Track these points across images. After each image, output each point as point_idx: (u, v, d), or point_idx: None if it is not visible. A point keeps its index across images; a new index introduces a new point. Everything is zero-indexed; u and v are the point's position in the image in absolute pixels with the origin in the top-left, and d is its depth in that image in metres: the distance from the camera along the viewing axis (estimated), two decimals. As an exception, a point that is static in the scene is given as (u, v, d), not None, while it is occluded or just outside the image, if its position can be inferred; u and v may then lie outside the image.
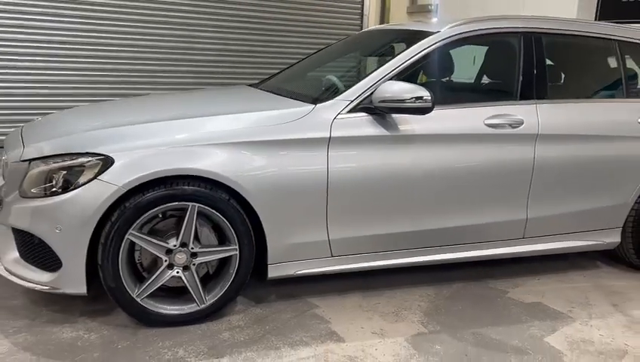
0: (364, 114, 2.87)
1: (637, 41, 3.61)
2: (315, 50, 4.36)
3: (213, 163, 2.60)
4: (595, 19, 6.89)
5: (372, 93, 2.86)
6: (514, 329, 2.83)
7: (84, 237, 2.50)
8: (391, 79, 2.92)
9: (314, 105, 2.86)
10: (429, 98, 2.74)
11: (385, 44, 3.67)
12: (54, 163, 2.57)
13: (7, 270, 2.71)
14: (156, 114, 2.92)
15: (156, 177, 2.52)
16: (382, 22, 9.25)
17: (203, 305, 2.71)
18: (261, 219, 2.71)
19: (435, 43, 3.07)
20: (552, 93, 3.31)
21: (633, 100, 3.51)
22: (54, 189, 2.54)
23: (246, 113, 2.81)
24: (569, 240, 3.41)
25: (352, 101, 2.87)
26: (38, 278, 2.61)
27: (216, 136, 2.66)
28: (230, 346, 2.56)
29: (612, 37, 3.54)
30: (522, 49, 3.26)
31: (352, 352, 2.55)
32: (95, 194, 2.48)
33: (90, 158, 2.53)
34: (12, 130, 3.38)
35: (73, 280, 2.56)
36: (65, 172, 2.54)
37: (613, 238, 3.51)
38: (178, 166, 2.55)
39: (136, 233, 2.56)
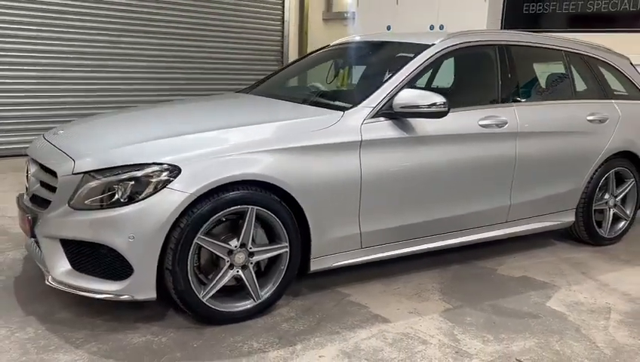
0: (383, 118, 3.21)
1: (576, 51, 4.28)
2: (301, 57, 4.61)
3: (268, 167, 2.82)
4: (501, 28, 7.76)
5: (390, 100, 3.21)
6: (519, 299, 3.32)
7: (157, 244, 2.61)
8: (403, 87, 3.28)
9: (342, 112, 3.15)
10: (445, 103, 3.15)
11: (381, 55, 4.02)
12: (118, 174, 2.65)
13: (60, 282, 2.73)
14: (199, 123, 3.08)
15: (222, 183, 2.69)
16: (301, 28, 9.62)
17: (259, 301, 2.91)
18: (307, 216, 2.96)
19: (435, 54, 3.49)
20: (524, 96, 3.87)
21: (581, 101, 4.17)
22: (120, 199, 2.63)
23: (287, 121, 3.05)
24: (538, 221, 3.99)
25: (373, 108, 3.20)
26: (105, 287, 2.67)
27: (266, 142, 2.87)
28: (295, 335, 2.79)
29: (561, 48, 4.18)
30: (499, 58, 3.78)
31: (402, 330, 2.89)
32: (167, 203, 2.60)
33: (157, 168, 2.65)
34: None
35: (144, 286, 2.65)
36: (132, 182, 2.63)
37: (569, 218, 4.15)
38: (241, 171, 2.74)
39: (203, 237, 2.71)
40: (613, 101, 4.32)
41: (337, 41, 4.51)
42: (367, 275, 3.51)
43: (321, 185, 2.97)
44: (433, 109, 3.14)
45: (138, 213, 2.59)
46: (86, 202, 2.68)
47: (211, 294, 2.79)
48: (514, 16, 7.73)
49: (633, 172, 4.36)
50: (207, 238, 2.73)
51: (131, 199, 2.63)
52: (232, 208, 2.75)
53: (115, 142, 2.86)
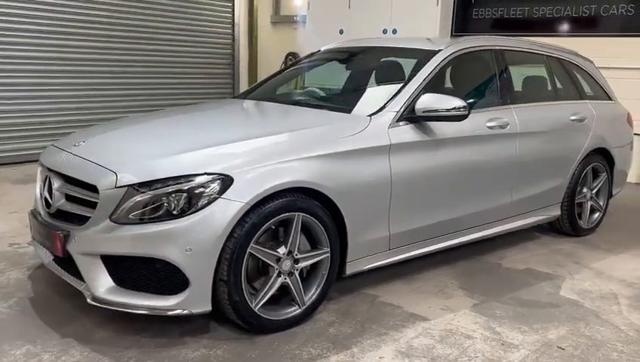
0: (405, 122, 3.31)
1: (554, 55, 4.56)
2: (299, 59, 4.60)
3: (312, 174, 2.84)
4: (451, 32, 8.09)
5: (411, 104, 3.30)
6: (534, 291, 3.51)
7: (214, 255, 2.57)
8: (420, 91, 3.39)
9: (369, 118, 3.22)
10: (466, 107, 3.28)
11: (386, 60, 4.11)
12: (168, 186, 2.58)
13: (103, 300, 2.63)
14: (232, 132, 3.06)
15: (273, 191, 2.69)
16: (250, 32, 9.57)
17: (304, 307, 2.92)
18: (345, 221, 3.00)
19: (444, 59, 3.62)
20: (518, 98, 4.09)
21: (563, 102, 4.45)
22: (173, 212, 2.56)
23: (320, 127, 3.09)
24: (532, 216, 4.23)
25: (397, 112, 3.29)
26: (158, 303, 2.59)
27: (306, 149, 2.89)
28: (346, 339, 2.82)
29: (542, 52, 4.45)
30: (495, 63, 3.98)
31: (444, 326, 2.99)
32: (224, 214, 2.56)
33: (209, 178, 2.60)
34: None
35: (200, 299, 2.60)
36: (184, 194, 2.57)
37: (556, 212, 4.43)
38: (290, 179, 2.74)
39: (256, 246, 2.69)
40: (587, 101, 4.64)
41: (329, 47, 4.55)
42: (387, 275, 3.58)
43: (356, 190, 3.02)
44: (454, 113, 3.26)
45: (195, 225, 2.53)
46: (130, 216, 2.59)
47: (262, 303, 2.77)
48: (464, 20, 8.09)
49: (605, 166, 4.71)
50: (258, 247, 2.71)
51: (184, 211, 2.56)
52: (281, 216, 2.74)
53: (153, 153, 2.78)
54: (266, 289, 2.78)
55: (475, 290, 3.47)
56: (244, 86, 9.75)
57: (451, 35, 8.01)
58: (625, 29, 6.82)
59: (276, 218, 2.73)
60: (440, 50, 3.66)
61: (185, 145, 2.83)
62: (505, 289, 3.52)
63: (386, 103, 3.33)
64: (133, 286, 2.65)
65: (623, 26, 6.83)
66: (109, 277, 2.66)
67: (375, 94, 3.71)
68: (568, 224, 4.53)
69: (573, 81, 4.64)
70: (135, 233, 2.57)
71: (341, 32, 8.39)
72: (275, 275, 2.80)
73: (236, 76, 9.53)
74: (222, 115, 3.70)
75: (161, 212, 2.58)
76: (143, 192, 2.59)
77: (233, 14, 9.19)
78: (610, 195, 4.84)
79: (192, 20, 8.54)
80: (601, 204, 4.77)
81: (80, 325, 2.84)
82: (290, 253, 2.83)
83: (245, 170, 2.66)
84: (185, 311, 2.59)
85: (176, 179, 2.60)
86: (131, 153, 2.84)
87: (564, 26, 7.24)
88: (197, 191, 2.58)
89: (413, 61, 3.71)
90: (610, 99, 4.97)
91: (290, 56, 9.63)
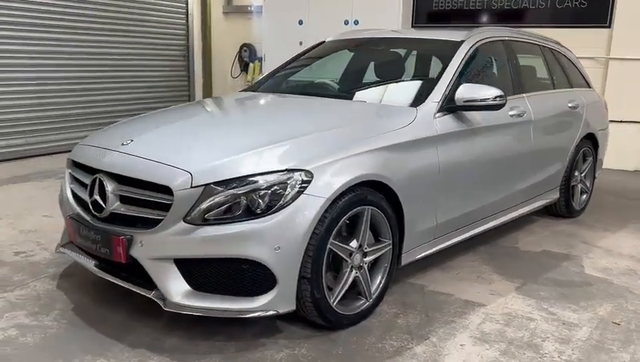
0: (445, 113, 3.35)
1: (547, 45, 4.77)
2: (310, 48, 4.50)
3: (380, 167, 2.83)
4: (412, 24, 8.24)
5: (450, 95, 3.35)
6: (561, 271, 3.68)
7: (300, 252, 2.51)
8: (455, 82, 3.45)
9: (415, 108, 3.24)
10: (503, 96, 3.36)
11: (412, 52, 4.13)
12: (248, 183, 2.48)
13: (181, 306, 2.51)
14: (298, 126, 3.00)
15: (349, 186, 2.65)
16: (204, 22, 9.32)
17: (370, 300, 2.91)
18: (404, 212, 3.01)
19: (469, 49, 3.69)
20: (527, 87, 4.24)
21: (560, 90, 4.67)
22: (257, 210, 2.47)
23: (376, 119, 3.08)
24: (539, 200, 4.42)
25: (437, 103, 3.33)
26: (243, 305, 2.50)
27: (368, 142, 2.86)
28: (419, 328, 2.84)
29: (538, 43, 4.64)
30: (507, 53, 4.11)
31: (502, 311, 3.07)
32: (308, 210, 2.50)
33: (291, 174, 2.52)
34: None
35: (286, 298, 2.53)
36: (269, 191, 2.48)
37: (556, 195, 4.65)
38: (362, 173, 2.72)
39: (334, 241, 2.64)
40: (576, 89, 4.89)
41: (338, 37, 4.50)
42: (420, 265, 3.61)
43: (413, 180, 3.03)
44: (492, 102, 3.33)
45: (282, 222, 2.46)
46: (207, 216, 2.48)
47: (338, 299, 2.73)
48: (424, 11, 8.26)
49: (592, 150, 4.99)
50: (336, 242, 2.67)
51: (269, 209, 2.47)
52: (354, 210, 2.71)
53: (222, 151, 2.66)
54: (341, 284, 2.74)
55: (510, 274, 3.58)
56: (198, 78, 9.48)
57: (412, 26, 8.16)
58: (580, 20, 7.23)
59: (350, 212, 2.69)
60: (464, 41, 3.73)
61: (253, 141, 2.73)
62: (536, 271, 3.65)
63: (426, 95, 3.35)
64: (210, 289, 2.54)
65: (578, 18, 7.24)
66: (184, 282, 2.53)
67: (410, 86, 3.73)
68: (564, 206, 4.77)
69: (563, 70, 4.86)
70: (215, 234, 2.45)
71: (300, 22, 8.33)
72: (348, 270, 2.77)
73: (191, 68, 9.25)
74: (265, 109, 3.60)
75: (240, 211, 2.48)
76: (219, 191, 2.48)
77: (187, 5, 8.90)
78: (594, 177, 5.13)
79: (145, 11, 8.19)
80: (588, 185, 5.05)
81: (143, 334, 2.69)
82: (359, 246, 2.80)
83: (322, 165, 2.61)
84: (270, 312, 2.51)
85: (255, 176, 2.50)
86: (198, 151, 2.70)
87: (523, 17, 7.56)
88: (280, 188, 2.50)
89: (438, 52, 3.77)
90: (589, 86, 5.26)
91: (244, 48, 9.46)
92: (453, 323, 2.90)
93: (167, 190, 2.51)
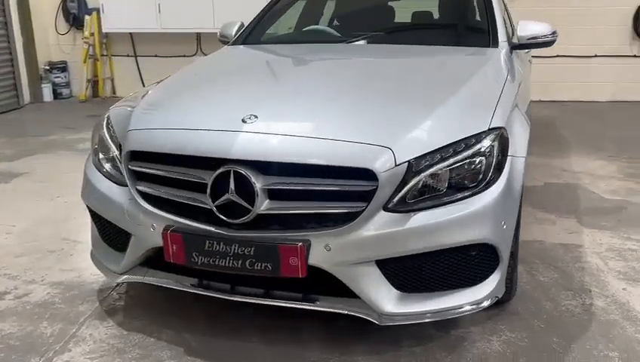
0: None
1: None
2: None
3: (525, 109, 2.60)
4: None
5: (511, 35, 3.20)
6: (587, 200, 3.82)
7: (514, 224, 2.16)
8: (504, 21, 3.30)
9: (500, 50, 3.02)
10: (555, 32, 3.29)
11: None
12: (458, 153, 2.02)
13: (397, 315, 2.02)
14: (435, 83, 2.56)
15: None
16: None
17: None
18: None
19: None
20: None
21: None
22: (469, 184, 2.04)
23: (488, 63, 2.81)
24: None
25: (506, 42, 3.14)
26: (470, 297, 2.08)
27: (509, 89, 2.54)
28: (569, 283, 2.69)
29: None
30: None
31: (596, 248, 3.08)
32: (517, 173, 2.16)
33: (494, 135, 2.11)
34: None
35: (502, 280, 2.16)
36: (480, 158, 2.05)
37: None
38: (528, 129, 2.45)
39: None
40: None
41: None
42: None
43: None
44: (552, 38, 3.24)
45: (504, 193, 2.05)
46: (408, 200, 1.98)
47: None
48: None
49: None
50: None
51: (484, 179, 2.05)
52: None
53: (399, 117, 2.14)
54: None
55: (557, 212, 3.60)
56: (19, 37, 7.70)
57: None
58: None
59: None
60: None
61: (423, 103, 2.24)
62: (570, 204, 3.74)
63: (493, 35, 3.13)
64: (417, 288, 2.06)
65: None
66: (391, 285, 2.02)
67: (473, 28, 3.48)
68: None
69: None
70: (430, 222, 1.95)
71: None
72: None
73: (10, 26, 7.49)
74: (365, 65, 3.00)
75: (448, 188, 2.02)
76: (424, 167, 1.98)
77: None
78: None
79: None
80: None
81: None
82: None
83: (507, 122, 2.24)
84: (491, 301, 2.12)
85: (460, 143, 2.04)
86: (375, 122, 2.11)
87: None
88: (489, 153, 2.07)
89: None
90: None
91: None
92: (585, 270, 2.82)
93: (364, 174, 1.92)
